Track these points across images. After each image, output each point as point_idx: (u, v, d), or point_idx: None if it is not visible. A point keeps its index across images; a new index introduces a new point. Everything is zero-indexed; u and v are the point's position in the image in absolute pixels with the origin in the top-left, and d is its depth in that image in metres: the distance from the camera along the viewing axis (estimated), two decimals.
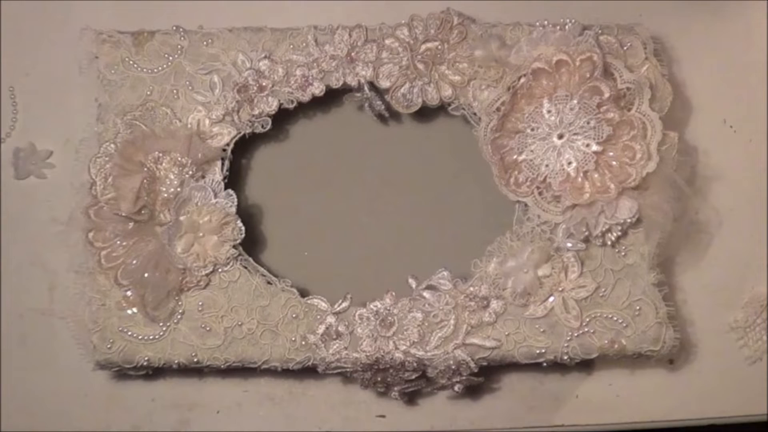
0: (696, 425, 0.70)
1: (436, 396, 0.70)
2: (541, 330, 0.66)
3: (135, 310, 0.66)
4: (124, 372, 0.67)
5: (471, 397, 0.70)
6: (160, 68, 0.70)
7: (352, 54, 0.69)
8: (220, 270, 0.67)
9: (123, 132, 0.68)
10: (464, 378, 0.66)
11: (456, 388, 0.66)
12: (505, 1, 0.74)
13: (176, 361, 0.66)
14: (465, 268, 0.67)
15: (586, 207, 0.66)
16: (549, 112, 0.67)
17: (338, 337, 0.66)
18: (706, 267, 0.71)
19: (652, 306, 0.66)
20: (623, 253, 0.67)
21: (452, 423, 0.70)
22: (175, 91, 0.69)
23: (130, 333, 0.66)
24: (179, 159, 0.67)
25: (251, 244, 0.69)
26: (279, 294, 0.67)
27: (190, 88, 0.69)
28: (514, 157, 0.67)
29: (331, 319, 0.66)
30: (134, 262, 0.66)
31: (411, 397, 0.69)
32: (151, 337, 0.66)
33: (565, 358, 0.66)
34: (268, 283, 0.67)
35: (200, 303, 0.67)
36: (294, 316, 0.66)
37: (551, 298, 0.66)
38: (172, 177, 0.67)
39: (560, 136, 0.66)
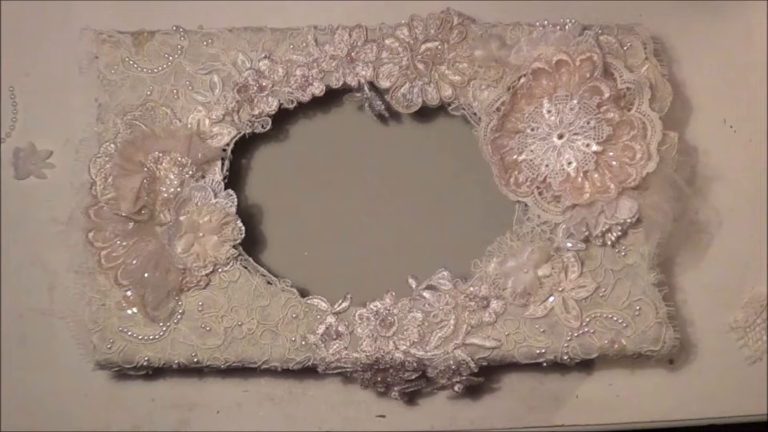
0: (696, 425, 0.70)
1: (436, 396, 0.70)
2: (541, 330, 0.66)
3: (135, 310, 0.66)
4: (124, 372, 0.67)
5: (471, 397, 0.70)
6: (160, 68, 0.70)
7: (352, 54, 0.69)
8: (220, 270, 0.67)
9: (123, 132, 0.68)
10: (464, 378, 0.66)
11: (456, 388, 0.66)
12: (505, 1, 0.74)
13: (176, 361, 0.66)
14: (465, 268, 0.67)
15: (586, 207, 0.66)
16: (549, 112, 0.67)
17: (338, 337, 0.66)
18: (706, 267, 0.71)
19: (652, 306, 0.66)
20: (623, 253, 0.67)
21: (452, 423, 0.70)
22: (175, 91, 0.69)
23: (130, 333, 0.66)
24: (179, 159, 0.67)
25: (251, 244, 0.69)
26: (279, 294, 0.67)
27: (190, 88, 0.69)
28: (514, 157, 0.67)
29: (331, 319, 0.66)
30: (134, 262, 0.66)
31: (411, 397, 0.69)
32: (151, 337, 0.66)
33: (565, 358, 0.66)
34: (268, 283, 0.67)
35: (200, 303, 0.67)
36: (294, 316, 0.66)
37: (551, 298, 0.66)
38: (172, 177, 0.67)
39: (560, 136, 0.66)
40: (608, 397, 0.70)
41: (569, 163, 0.66)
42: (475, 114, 0.69)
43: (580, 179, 0.66)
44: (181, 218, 0.66)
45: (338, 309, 0.66)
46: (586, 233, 0.66)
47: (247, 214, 0.69)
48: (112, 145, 0.68)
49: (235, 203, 0.67)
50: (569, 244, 0.66)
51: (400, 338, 0.65)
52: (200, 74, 0.69)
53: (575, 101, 0.66)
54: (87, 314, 0.67)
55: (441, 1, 0.70)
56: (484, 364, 0.66)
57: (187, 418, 0.70)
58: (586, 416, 0.69)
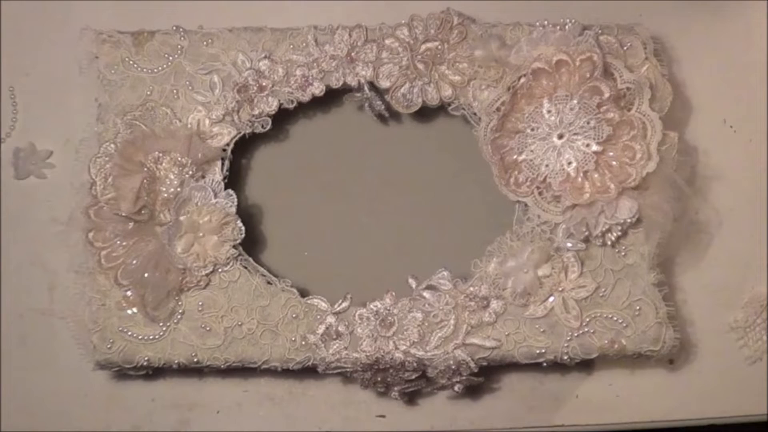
0: (696, 425, 0.70)
1: (436, 396, 0.70)
2: (541, 330, 0.66)
3: (135, 310, 0.66)
4: (124, 372, 0.67)
5: (471, 397, 0.70)
6: (160, 68, 0.70)
7: (352, 54, 0.69)
8: (220, 270, 0.67)
9: (123, 132, 0.68)
10: (464, 378, 0.66)
11: (456, 388, 0.66)
12: (505, 1, 0.74)
13: (176, 361, 0.66)
14: (465, 268, 0.67)
15: (586, 207, 0.66)
16: (549, 112, 0.67)
17: (338, 337, 0.66)
18: (706, 267, 0.71)
19: (652, 306, 0.66)
20: (623, 253, 0.67)
21: (452, 423, 0.70)
22: (175, 91, 0.69)
23: (130, 333, 0.66)
24: (179, 159, 0.67)
25: (251, 244, 0.69)
26: (279, 294, 0.67)
27: (190, 88, 0.69)
28: (514, 157, 0.67)
29: (331, 319, 0.66)
30: (134, 262, 0.66)
31: (411, 397, 0.69)
32: (151, 337, 0.66)
33: (565, 358, 0.66)
34: (268, 283, 0.67)
35: (200, 303, 0.67)
36: (294, 316, 0.66)
37: (551, 298, 0.66)
38: (172, 177, 0.67)
39: (560, 136, 0.66)
40: (608, 397, 0.70)
41: (569, 163, 0.66)
42: (475, 114, 0.69)
43: (580, 179, 0.66)
44: (181, 218, 0.66)
45: (338, 309, 0.66)
46: (586, 233, 0.66)
47: (247, 214, 0.69)
48: (112, 145, 0.68)
49: (235, 203, 0.67)
50: (569, 244, 0.66)
51: (400, 338, 0.65)
52: (200, 74, 0.69)
53: (575, 101, 0.66)
54: (87, 314, 0.67)
55: (441, 1, 0.70)
56: (484, 364, 0.66)
57: (187, 418, 0.70)
58: (586, 416, 0.69)
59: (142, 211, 0.67)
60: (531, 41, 0.68)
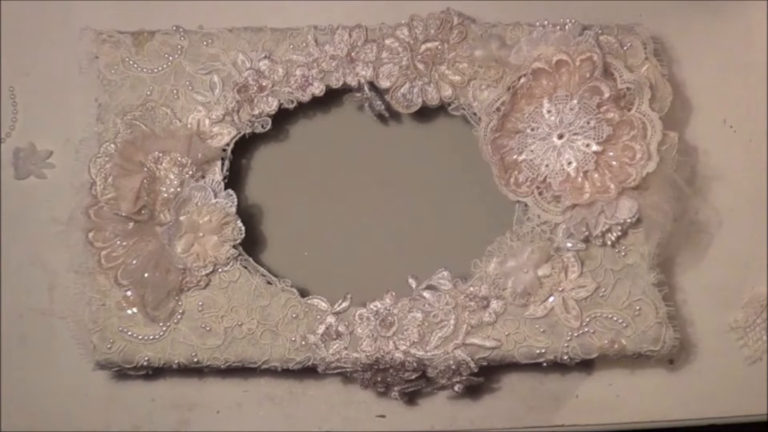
0: (696, 425, 0.70)
1: (436, 396, 0.70)
2: (541, 330, 0.66)
3: (135, 310, 0.66)
4: (124, 372, 0.67)
5: (471, 397, 0.70)
6: (160, 68, 0.70)
7: (352, 54, 0.69)
8: (220, 270, 0.67)
9: (123, 132, 0.68)
10: (464, 378, 0.66)
11: (456, 388, 0.66)
12: (505, 1, 0.74)
13: (176, 361, 0.66)
14: (465, 268, 0.67)
15: (586, 207, 0.66)
16: (549, 112, 0.67)
17: (338, 337, 0.66)
18: (706, 267, 0.71)
19: (652, 306, 0.66)
20: (623, 253, 0.67)
21: (452, 423, 0.70)
22: (175, 91, 0.69)
23: (130, 333, 0.66)
24: (179, 159, 0.67)
25: (251, 244, 0.69)
26: (279, 294, 0.67)
27: (190, 88, 0.69)
28: (514, 157, 0.67)
29: (331, 319, 0.66)
30: (134, 262, 0.66)
31: (411, 397, 0.69)
32: (151, 337, 0.66)
33: (565, 358, 0.66)
34: (268, 283, 0.67)
35: (200, 303, 0.67)
36: (294, 316, 0.66)
37: (551, 298, 0.66)
38: (172, 177, 0.67)
39: (560, 136, 0.66)
40: (608, 397, 0.70)
41: (569, 163, 0.66)
42: (475, 114, 0.69)
43: (580, 179, 0.66)
44: (181, 218, 0.66)
45: (338, 309, 0.66)
46: (586, 233, 0.66)
47: (247, 214, 0.69)
48: (112, 145, 0.68)
49: (235, 203, 0.67)
50: (569, 244, 0.66)
51: (400, 338, 0.65)
52: (200, 74, 0.69)
53: (575, 101, 0.66)
54: (87, 314, 0.67)
55: (441, 1, 0.70)
56: (484, 364, 0.66)
57: (187, 418, 0.70)
58: (586, 416, 0.69)
59: (142, 211, 0.67)
60: (531, 41, 0.68)
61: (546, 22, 0.68)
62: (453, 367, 0.65)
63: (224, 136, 0.69)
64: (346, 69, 0.69)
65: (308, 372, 0.67)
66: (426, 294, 0.66)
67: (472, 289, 0.66)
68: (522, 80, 0.67)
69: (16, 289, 0.71)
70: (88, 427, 0.70)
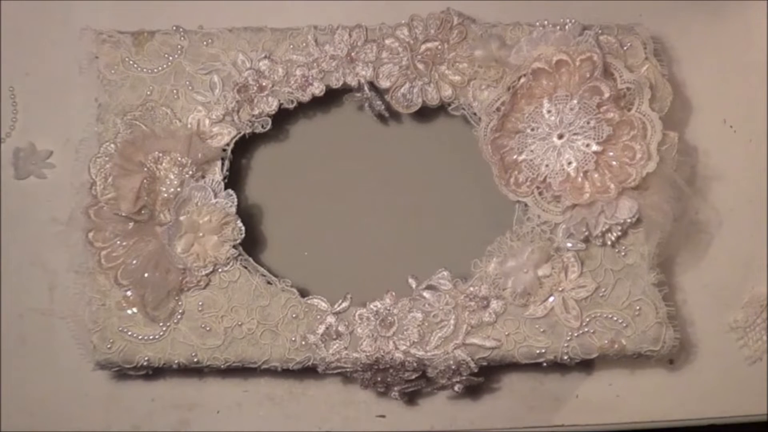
0: (696, 425, 0.70)
1: (436, 396, 0.70)
2: (541, 330, 0.66)
3: (135, 310, 0.66)
4: (124, 372, 0.67)
5: (471, 397, 0.70)
6: (160, 68, 0.70)
7: (352, 54, 0.69)
8: (220, 270, 0.67)
9: (123, 132, 0.68)
10: (464, 378, 0.66)
11: (456, 388, 0.66)
12: (505, 1, 0.74)
13: (176, 361, 0.66)
14: (465, 268, 0.67)
15: (586, 207, 0.66)
16: (549, 112, 0.67)
17: (338, 337, 0.66)
18: (706, 267, 0.71)
19: (652, 306, 0.66)
20: (623, 253, 0.67)
21: (452, 423, 0.70)
22: (175, 91, 0.69)
23: (130, 333, 0.66)
24: (179, 159, 0.67)
25: (251, 244, 0.69)
26: (279, 294, 0.67)
27: (190, 88, 0.69)
28: (514, 157, 0.67)
29: (331, 319, 0.66)
30: (134, 262, 0.66)
31: (411, 397, 0.69)
32: (151, 337, 0.66)
33: (565, 358, 0.66)
34: (268, 283, 0.67)
35: (200, 303, 0.67)
36: (294, 316, 0.66)
37: (551, 298, 0.66)
38: (172, 177, 0.67)
39: (560, 136, 0.66)
40: (608, 397, 0.70)
41: (569, 163, 0.66)
42: (475, 114, 0.69)
43: (580, 179, 0.66)
44: (181, 218, 0.66)
45: (338, 309, 0.66)
46: (586, 233, 0.66)
47: (247, 214, 0.69)
48: (112, 145, 0.68)
49: (235, 203, 0.67)
50: (569, 244, 0.66)
51: (400, 338, 0.65)
52: (200, 74, 0.69)
53: (575, 101, 0.66)
54: (87, 314, 0.67)
55: (441, 1, 0.70)
56: (484, 364, 0.66)
57: (187, 418, 0.70)
58: (586, 416, 0.70)
59: (142, 211, 0.67)
60: (531, 41, 0.68)
61: (546, 22, 0.68)
62: (453, 367, 0.65)
63: (224, 136, 0.69)
64: (346, 69, 0.69)
65: (308, 372, 0.67)
66: (426, 294, 0.66)
67: (472, 289, 0.66)
68: (522, 80, 0.67)
69: (16, 289, 0.71)
70: (88, 427, 0.70)
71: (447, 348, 0.65)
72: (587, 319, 0.66)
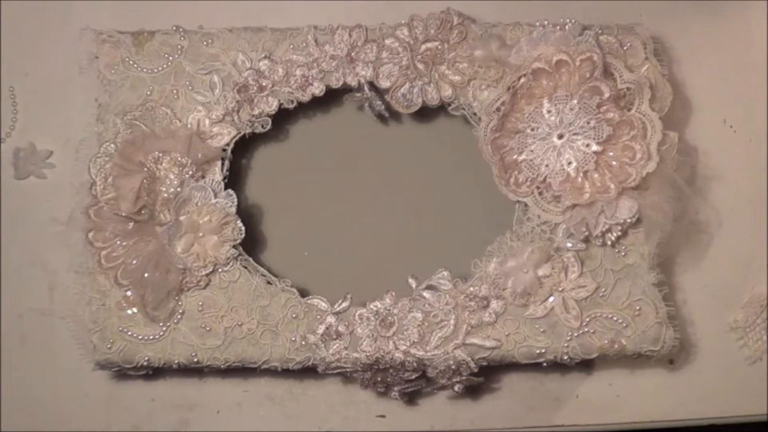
0: (696, 425, 0.70)
1: (436, 396, 0.70)
2: (541, 330, 0.66)
3: (135, 310, 0.66)
4: (124, 372, 0.67)
5: (471, 397, 0.70)
6: (160, 68, 0.70)
7: (352, 54, 0.69)
8: (220, 270, 0.67)
9: (123, 132, 0.68)
10: (464, 378, 0.66)
11: (456, 388, 0.66)
12: (505, 1, 0.74)
13: (176, 361, 0.66)
14: (465, 268, 0.67)
15: (586, 207, 0.66)
16: (549, 112, 0.67)
17: (338, 337, 0.66)
18: (706, 267, 0.71)
19: (652, 306, 0.66)
20: (623, 253, 0.67)
21: (452, 423, 0.70)
22: (175, 91, 0.69)
23: (130, 333, 0.66)
24: (179, 159, 0.67)
25: (251, 244, 0.69)
26: (279, 294, 0.67)
27: (190, 88, 0.69)
28: (514, 157, 0.67)
29: (331, 319, 0.66)
30: (134, 262, 0.66)
31: (411, 397, 0.69)
32: (151, 337, 0.66)
33: (565, 358, 0.66)
34: (268, 283, 0.67)
35: (200, 303, 0.67)
36: (294, 316, 0.66)
37: (551, 298, 0.66)
38: (172, 177, 0.67)
39: (560, 136, 0.66)
40: (608, 397, 0.70)
41: (569, 163, 0.66)
42: (475, 114, 0.69)
43: (580, 179, 0.66)
44: (181, 218, 0.66)
45: (338, 309, 0.66)
46: (586, 233, 0.66)
47: (247, 214, 0.69)
48: (112, 145, 0.68)
49: (235, 203, 0.67)
50: (569, 244, 0.66)
51: (400, 338, 0.65)
52: (200, 74, 0.69)
53: (575, 101, 0.66)
54: (87, 314, 0.67)
55: (441, 1, 0.70)
56: (484, 364, 0.66)
57: (187, 418, 0.70)
58: (586, 416, 0.69)
59: (142, 211, 0.67)
60: (531, 41, 0.68)
61: (546, 22, 0.68)
62: (453, 367, 0.65)
63: (224, 136, 0.69)
64: (346, 69, 0.69)
65: (308, 372, 0.67)
66: (426, 294, 0.66)
67: (472, 289, 0.66)
68: (522, 80, 0.67)
69: (16, 289, 0.71)
70: (88, 427, 0.70)
71: (447, 348, 0.65)
72: (587, 319, 0.66)
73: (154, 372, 0.68)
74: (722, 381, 0.70)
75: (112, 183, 0.67)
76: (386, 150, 0.73)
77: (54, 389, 0.70)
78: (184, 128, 0.68)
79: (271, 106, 0.69)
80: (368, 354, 0.65)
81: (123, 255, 0.66)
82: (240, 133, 0.69)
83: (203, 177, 0.68)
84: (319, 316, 0.66)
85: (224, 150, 0.69)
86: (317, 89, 0.69)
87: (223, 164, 0.68)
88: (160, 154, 0.67)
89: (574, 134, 0.66)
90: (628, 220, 0.66)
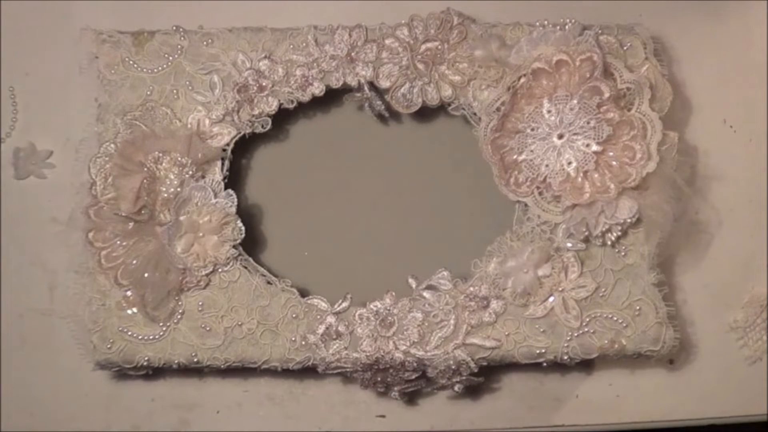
0: (696, 425, 0.70)
1: (436, 396, 0.70)
2: (541, 330, 0.66)
3: (135, 310, 0.66)
4: (124, 372, 0.67)
5: (471, 397, 0.70)
6: (160, 68, 0.70)
7: (352, 54, 0.69)
8: (220, 270, 0.67)
9: (123, 132, 0.68)
10: (464, 378, 0.66)
11: (456, 388, 0.66)
12: (505, 1, 0.74)
13: (176, 361, 0.66)
14: (465, 268, 0.67)
15: (586, 207, 0.66)
16: (549, 112, 0.67)
17: (338, 337, 0.66)
18: (706, 267, 0.71)
19: (652, 306, 0.66)
20: (623, 253, 0.67)
21: (452, 423, 0.70)
22: (175, 91, 0.69)
23: (130, 333, 0.66)
24: (179, 159, 0.67)
25: (251, 244, 0.69)
26: (279, 294, 0.67)
27: (190, 88, 0.69)
28: (514, 157, 0.67)
29: (331, 319, 0.66)
30: (134, 262, 0.66)
31: (411, 397, 0.69)
32: (151, 337, 0.66)
33: (565, 358, 0.66)
34: (268, 283, 0.67)
35: (200, 303, 0.67)
36: (294, 316, 0.66)
37: (551, 298, 0.66)
38: (172, 177, 0.67)
39: (560, 136, 0.66)
40: (608, 397, 0.70)
41: (569, 163, 0.66)
42: (475, 114, 0.69)
43: (580, 179, 0.66)
44: (181, 218, 0.66)
45: (338, 309, 0.66)
46: (586, 233, 0.66)
47: (247, 214, 0.69)
48: (112, 145, 0.68)
49: (235, 203, 0.67)
50: (569, 244, 0.66)
51: (400, 338, 0.65)
52: (200, 74, 0.69)
53: (575, 101, 0.66)
54: (87, 314, 0.67)
55: (441, 1, 0.70)
56: (484, 364, 0.66)
57: (187, 418, 0.70)
58: (586, 416, 0.70)
59: (142, 211, 0.67)
60: (531, 41, 0.68)
61: (546, 22, 0.68)
62: (453, 367, 0.65)
63: (224, 136, 0.69)
64: (346, 69, 0.69)
65: (308, 372, 0.67)
66: (426, 294, 0.66)
67: (472, 289, 0.66)
68: (522, 80, 0.67)
69: (16, 289, 0.71)
70: (88, 427, 0.70)
71: (447, 348, 0.65)
72: (587, 319, 0.66)
73: (154, 372, 0.68)
74: (722, 381, 0.70)
75: (112, 183, 0.67)
76: (386, 150, 0.73)
77: (54, 389, 0.70)
78: (184, 128, 0.68)
79: (271, 106, 0.69)
80: (368, 354, 0.65)
81: (123, 255, 0.66)
82: (240, 133, 0.69)
83: (203, 177, 0.68)
84: (319, 316, 0.66)
85: (224, 150, 0.69)
86: (317, 89, 0.69)
87: (223, 164, 0.68)
88: (160, 154, 0.67)
89: (574, 134, 0.66)
90: (628, 220, 0.66)
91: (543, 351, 0.66)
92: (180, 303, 0.66)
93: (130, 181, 0.66)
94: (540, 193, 0.67)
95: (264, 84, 0.69)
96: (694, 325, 0.70)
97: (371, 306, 0.66)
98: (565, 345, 0.66)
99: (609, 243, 0.66)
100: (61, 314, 0.70)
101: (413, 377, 0.66)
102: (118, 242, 0.66)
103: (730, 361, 0.70)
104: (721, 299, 0.71)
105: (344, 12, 0.73)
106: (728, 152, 0.73)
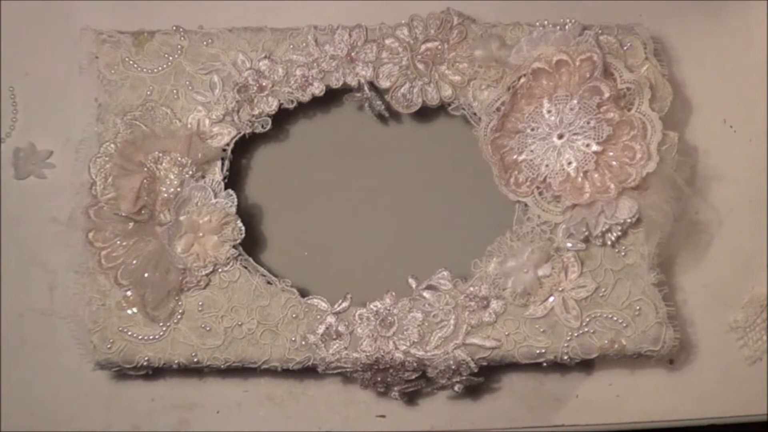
0: (696, 425, 0.70)
1: (436, 396, 0.70)
2: (541, 330, 0.66)
3: (135, 310, 0.66)
4: (124, 372, 0.67)
5: (471, 397, 0.70)
6: (160, 68, 0.70)
7: (352, 54, 0.69)
8: (220, 270, 0.67)
9: (123, 132, 0.68)
10: (464, 378, 0.66)
11: (456, 388, 0.66)
12: (505, 1, 0.74)
13: (176, 361, 0.66)
14: (465, 268, 0.67)
15: (586, 207, 0.66)
16: (549, 112, 0.67)
17: (338, 337, 0.66)
18: (706, 267, 0.71)
19: (652, 306, 0.66)
20: (623, 253, 0.67)
21: (452, 423, 0.70)
22: (175, 91, 0.69)
23: (130, 333, 0.66)
24: (179, 159, 0.67)
25: (251, 244, 0.69)
26: (279, 294, 0.67)
27: (190, 88, 0.69)
28: (514, 157, 0.67)
29: (331, 319, 0.66)
30: (134, 262, 0.66)
31: (411, 397, 0.69)
32: (151, 337, 0.66)
33: (565, 358, 0.66)
34: (268, 283, 0.67)
35: (200, 303, 0.67)
36: (294, 316, 0.66)
37: (551, 298, 0.66)
38: (172, 177, 0.67)
39: (560, 136, 0.66)
40: (608, 397, 0.70)
41: (569, 163, 0.66)
42: (475, 114, 0.69)
43: (580, 179, 0.66)
44: (181, 218, 0.66)
45: (338, 309, 0.66)
46: (586, 233, 0.66)
47: (247, 214, 0.69)
48: (112, 145, 0.68)
49: (235, 203, 0.67)
50: (569, 244, 0.66)
51: (400, 338, 0.65)
52: (200, 74, 0.69)
53: (575, 101, 0.66)
54: (87, 314, 0.67)
55: (441, 1, 0.70)
56: (484, 364, 0.66)
57: (187, 418, 0.70)
58: (586, 416, 0.70)
59: (142, 211, 0.67)
60: (531, 41, 0.68)
61: (546, 22, 0.68)
62: (453, 367, 0.65)
63: (224, 136, 0.69)
64: (346, 69, 0.69)
65: (308, 372, 0.67)
66: (426, 294, 0.66)
67: (472, 289, 0.66)
68: (522, 80, 0.67)
69: (16, 289, 0.71)
70: (88, 427, 0.70)
71: (447, 348, 0.65)
72: (587, 319, 0.66)
73: (154, 372, 0.68)
74: (722, 381, 0.70)
75: (112, 183, 0.67)
76: (386, 150, 0.73)
77: (54, 389, 0.70)
78: (184, 128, 0.68)
79: (271, 106, 0.69)
80: (368, 354, 0.65)
81: (123, 255, 0.66)
82: (240, 133, 0.69)
83: (203, 177, 0.68)
84: (319, 316, 0.66)
85: (224, 150, 0.69)
86: (317, 89, 0.69)
87: (223, 164, 0.68)
88: (160, 154, 0.67)
89: (574, 134, 0.66)
90: (628, 220, 0.66)
91: (543, 351, 0.66)
92: (180, 303, 0.66)
93: (130, 181, 0.67)
94: (540, 193, 0.67)
95: (264, 84, 0.69)
96: (694, 325, 0.70)
97: (371, 306, 0.66)
98: (565, 345, 0.66)
99: (609, 243, 0.66)
100: (61, 314, 0.70)
101: (413, 377, 0.66)
102: (118, 242, 0.66)
103: (730, 361, 0.70)
104: (721, 299, 0.71)
105: (344, 12, 0.73)
106: (728, 152, 0.73)
